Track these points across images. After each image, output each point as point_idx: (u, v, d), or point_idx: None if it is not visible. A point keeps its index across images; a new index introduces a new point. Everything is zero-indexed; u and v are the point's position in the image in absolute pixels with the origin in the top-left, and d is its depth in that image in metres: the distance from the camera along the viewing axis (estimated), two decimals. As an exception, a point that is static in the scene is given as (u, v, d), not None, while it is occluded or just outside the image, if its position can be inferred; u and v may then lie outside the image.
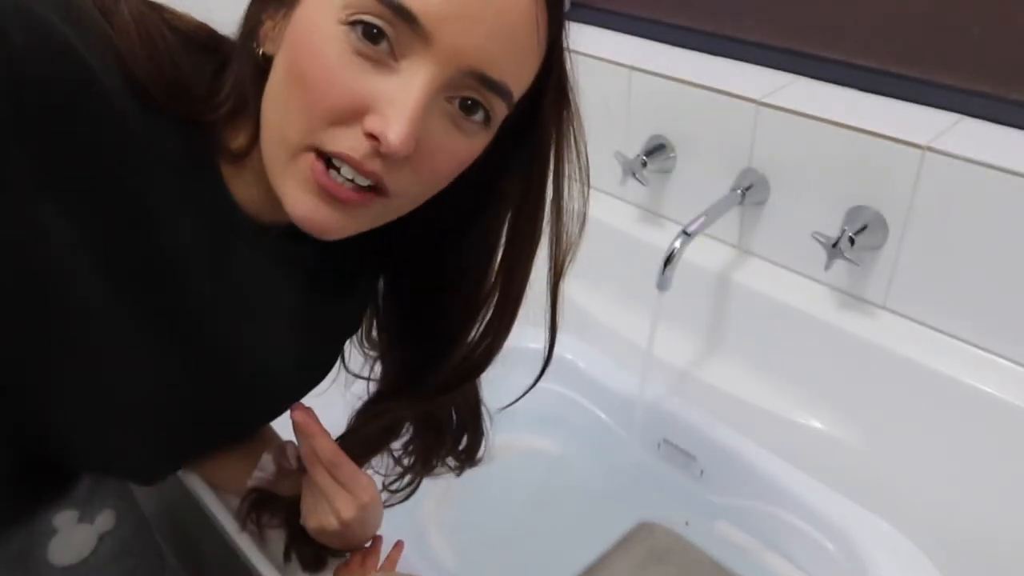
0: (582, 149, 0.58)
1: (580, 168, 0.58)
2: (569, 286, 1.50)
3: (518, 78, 0.48)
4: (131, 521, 0.73)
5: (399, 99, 0.44)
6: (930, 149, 0.93)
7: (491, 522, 1.23)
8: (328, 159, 0.46)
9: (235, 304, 0.57)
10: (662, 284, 1.06)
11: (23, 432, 0.55)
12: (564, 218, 0.59)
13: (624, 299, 1.29)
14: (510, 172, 0.56)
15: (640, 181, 1.21)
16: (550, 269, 0.61)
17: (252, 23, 0.50)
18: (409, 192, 0.49)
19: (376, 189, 0.47)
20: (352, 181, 0.46)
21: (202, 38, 0.52)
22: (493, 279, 0.61)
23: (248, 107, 0.50)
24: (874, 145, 0.97)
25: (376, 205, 0.48)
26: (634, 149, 1.22)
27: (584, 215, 0.60)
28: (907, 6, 1.01)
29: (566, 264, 0.61)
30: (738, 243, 1.18)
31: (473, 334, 0.63)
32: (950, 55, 1.00)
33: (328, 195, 0.46)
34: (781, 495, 1.11)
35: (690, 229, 1.05)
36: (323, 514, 0.64)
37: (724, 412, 1.18)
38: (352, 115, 0.45)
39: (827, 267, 1.02)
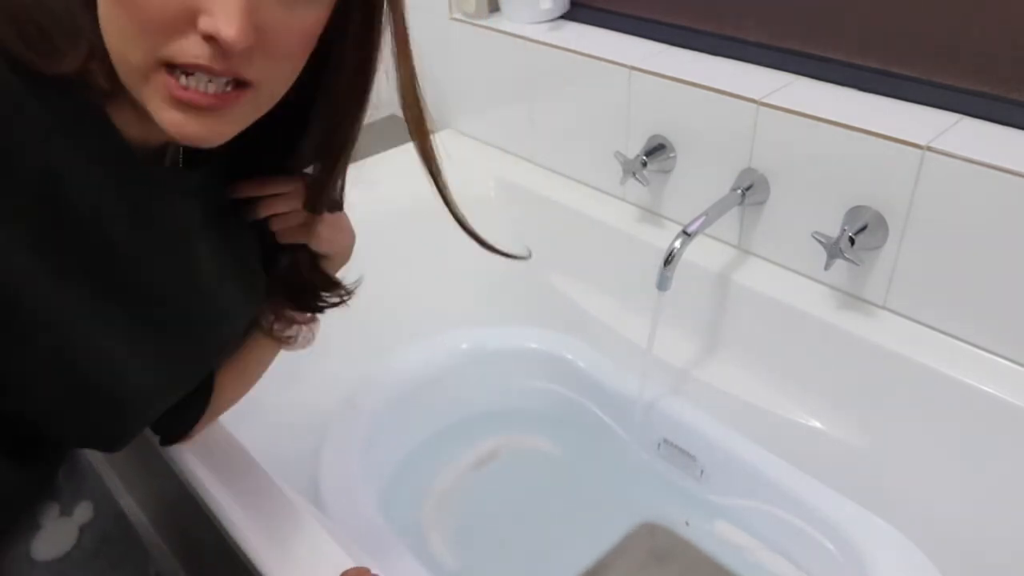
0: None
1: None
2: (570, 286, 1.51)
3: None
4: (110, 514, 0.73)
5: None
6: (930, 149, 0.93)
7: (491, 522, 1.23)
8: (182, 70, 0.46)
9: (156, 242, 0.57)
10: (662, 284, 1.06)
11: None
12: (416, 78, 0.57)
13: (624, 299, 1.29)
14: (347, 38, 0.55)
15: (640, 181, 1.21)
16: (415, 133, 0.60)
17: None
18: (273, 76, 0.50)
19: (240, 85, 0.48)
20: (210, 83, 0.47)
21: None
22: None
23: (91, 42, 0.49)
24: (874, 145, 0.97)
25: (246, 100, 0.49)
26: (634, 149, 1.22)
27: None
28: (907, 6, 1.01)
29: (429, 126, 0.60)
30: (738, 243, 1.18)
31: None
32: (950, 55, 1.00)
33: (191, 106, 0.47)
34: (781, 495, 1.11)
35: (690, 229, 1.05)
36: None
37: (724, 412, 1.18)
38: (185, 22, 0.45)
39: (827, 267, 1.02)
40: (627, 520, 1.21)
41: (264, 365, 0.80)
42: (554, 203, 1.34)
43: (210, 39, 0.45)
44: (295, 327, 0.77)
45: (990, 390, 0.93)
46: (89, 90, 0.50)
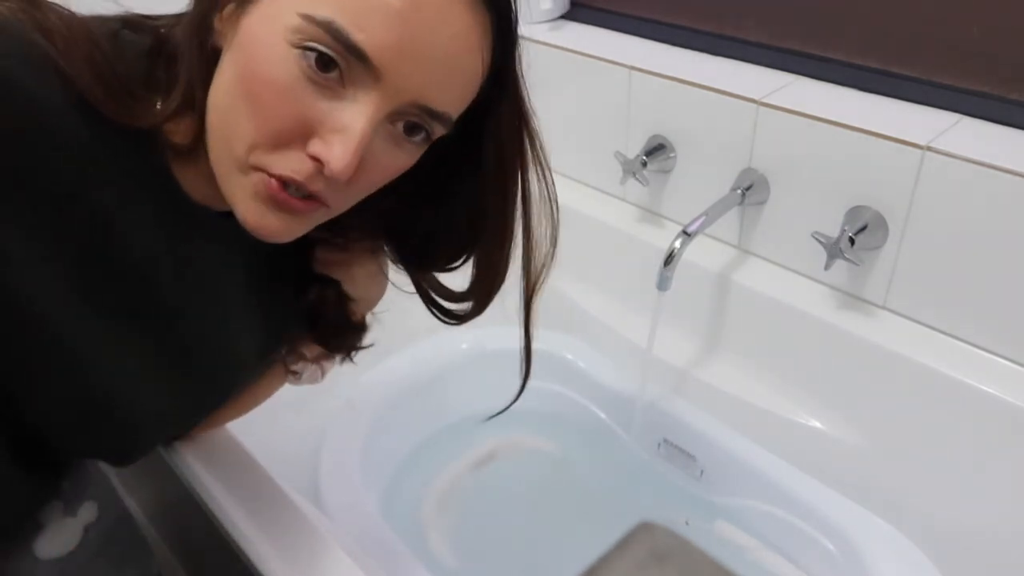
0: (547, 171, 0.59)
1: (547, 189, 0.60)
2: (569, 286, 1.51)
3: (460, 105, 0.51)
4: (114, 513, 0.73)
5: (346, 128, 0.46)
6: (930, 149, 0.93)
7: (491, 522, 1.23)
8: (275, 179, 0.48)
9: (199, 293, 0.59)
10: (662, 284, 1.06)
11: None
12: (533, 241, 0.61)
13: (624, 299, 1.30)
14: (466, 179, 0.59)
15: (640, 181, 1.21)
16: (522, 291, 0.63)
17: (204, 14, 0.50)
18: (347, 201, 0.53)
19: (317, 199, 0.50)
20: (296, 191, 0.49)
21: (136, 34, 0.53)
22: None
23: (194, 104, 0.50)
24: (874, 145, 0.97)
25: (318, 212, 0.51)
26: (634, 149, 1.22)
27: (555, 238, 0.62)
28: (907, 6, 1.01)
29: (539, 285, 0.63)
30: (738, 243, 1.18)
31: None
32: (950, 55, 1.00)
33: (276, 204, 0.49)
34: (781, 495, 1.11)
35: (690, 229, 1.05)
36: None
37: (724, 412, 1.18)
38: (298, 139, 0.47)
39: (827, 267, 1.02)
40: (627, 520, 1.20)
41: (271, 390, 0.79)
42: (554, 203, 1.34)
43: (316, 160, 0.47)
44: (303, 363, 0.77)
45: (990, 390, 0.93)
46: (158, 144, 0.52)
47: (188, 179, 0.54)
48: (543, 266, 0.62)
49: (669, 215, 1.25)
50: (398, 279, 0.72)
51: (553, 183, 0.60)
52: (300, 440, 1.16)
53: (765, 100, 1.06)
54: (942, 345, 0.99)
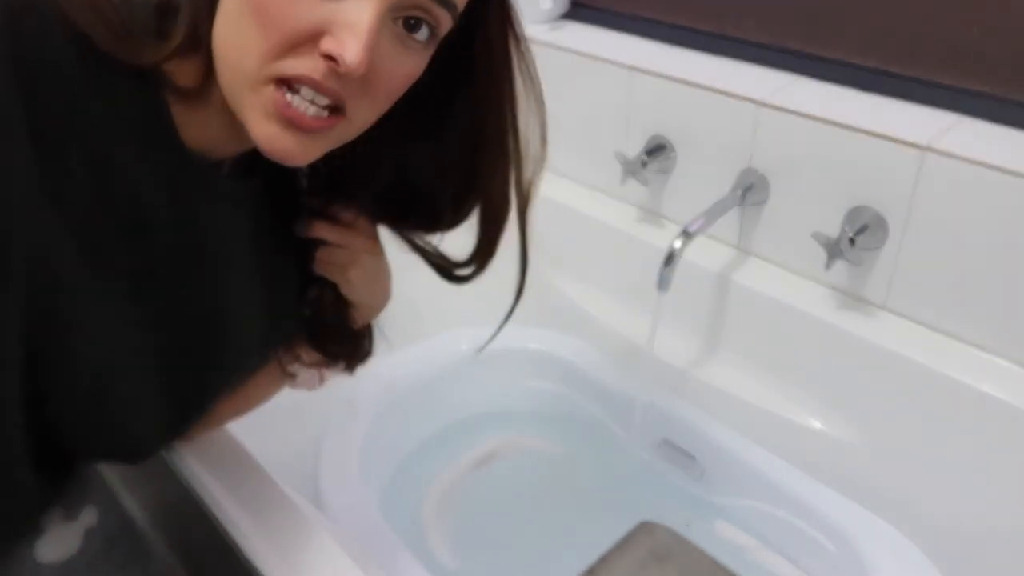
0: (534, 73, 0.59)
1: (535, 95, 0.59)
2: (569, 286, 1.51)
3: None
4: (115, 518, 0.73)
5: (354, 20, 0.46)
6: (930, 149, 0.93)
7: (491, 522, 1.23)
8: (288, 84, 0.48)
9: (204, 253, 0.58)
10: (662, 284, 1.06)
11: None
12: (521, 142, 0.61)
13: (624, 299, 1.29)
14: (458, 98, 0.59)
15: (640, 181, 1.21)
16: (516, 195, 0.63)
17: None
18: (364, 112, 0.52)
19: (335, 111, 0.49)
20: (312, 103, 0.48)
21: None
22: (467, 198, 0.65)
23: (200, 43, 0.50)
24: (874, 145, 0.97)
25: (336, 128, 0.51)
26: (634, 149, 1.22)
27: (544, 139, 0.61)
28: (907, 6, 1.01)
29: (532, 191, 0.63)
30: (738, 243, 1.18)
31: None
32: (950, 55, 1.00)
33: (291, 124, 0.48)
34: (781, 495, 1.11)
35: (690, 229, 1.05)
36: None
37: (724, 412, 1.18)
38: (308, 40, 0.47)
39: (827, 267, 1.02)
40: (627, 520, 1.20)
41: (269, 391, 0.78)
42: (554, 203, 1.34)
43: (329, 60, 0.46)
44: (298, 365, 0.76)
45: (990, 390, 0.94)
46: (161, 88, 0.51)
47: (190, 125, 0.53)
48: (534, 172, 0.62)
49: (669, 215, 1.25)
50: (400, 272, 0.71)
51: (540, 84, 0.59)
52: (300, 440, 1.16)
53: (765, 100, 1.06)
54: (942, 345, 0.99)
